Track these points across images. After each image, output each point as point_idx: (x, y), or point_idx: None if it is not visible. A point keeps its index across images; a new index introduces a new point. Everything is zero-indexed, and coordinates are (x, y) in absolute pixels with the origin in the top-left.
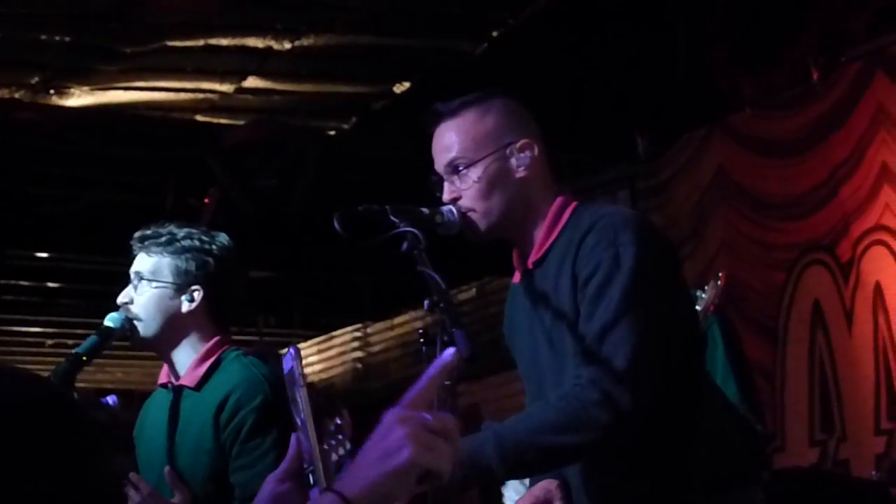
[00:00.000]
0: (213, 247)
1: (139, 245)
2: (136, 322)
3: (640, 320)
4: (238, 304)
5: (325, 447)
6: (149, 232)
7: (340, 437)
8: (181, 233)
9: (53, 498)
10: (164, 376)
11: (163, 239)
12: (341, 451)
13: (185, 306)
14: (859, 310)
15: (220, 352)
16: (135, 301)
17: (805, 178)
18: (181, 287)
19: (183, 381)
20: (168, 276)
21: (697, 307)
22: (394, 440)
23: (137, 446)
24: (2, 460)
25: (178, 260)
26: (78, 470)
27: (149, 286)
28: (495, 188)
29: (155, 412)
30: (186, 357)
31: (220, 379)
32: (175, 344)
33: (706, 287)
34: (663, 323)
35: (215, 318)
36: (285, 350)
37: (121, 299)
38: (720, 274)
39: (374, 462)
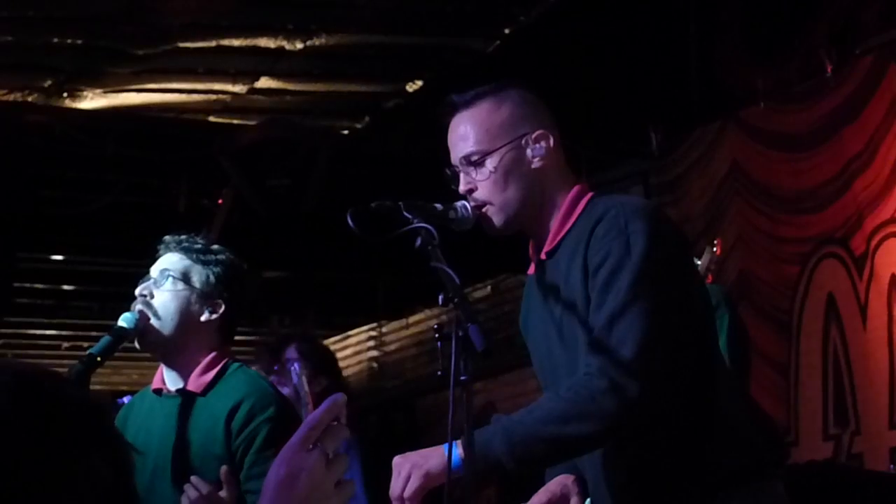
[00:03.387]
0: (240, 266)
1: (175, 245)
2: (152, 319)
3: (649, 309)
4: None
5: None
6: (184, 236)
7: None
8: (214, 246)
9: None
10: (157, 381)
11: (198, 246)
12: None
13: (205, 316)
14: (874, 303)
15: (224, 361)
16: (156, 297)
17: (819, 172)
18: (205, 296)
19: (189, 387)
20: (196, 283)
21: None
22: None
23: None
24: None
25: (209, 270)
26: (76, 468)
27: (174, 286)
28: (511, 179)
29: (151, 417)
30: (191, 364)
31: (227, 387)
32: (183, 349)
33: (702, 255)
34: (673, 312)
35: (224, 332)
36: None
37: (140, 291)
38: (715, 241)
39: None
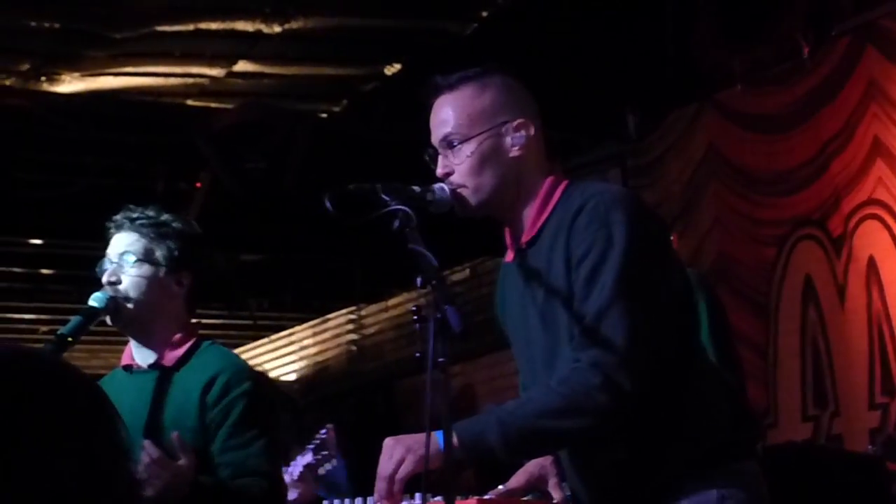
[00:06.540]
0: (198, 234)
1: (129, 225)
2: (124, 301)
3: (636, 302)
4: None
5: (313, 461)
6: (136, 214)
7: (325, 452)
8: (166, 217)
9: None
10: (127, 357)
11: (151, 221)
12: (328, 466)
13: (174, 289)
14: (852, 284)
15: (195, 336)
16: (123, 281)
17: (796, 154)
18: (171, 270)
19: (163, 362)
20: (160, 259)
21: None
22: None
23: None
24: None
25: (169, 243)
26: (92, 445)
27: (139, 267)
28: (487, 165)
29: (122, 393)
30: (163, 338)
31: (202, 361)
32: (156, 325)
33: None
34: (659, 302)
35: (190, 304)
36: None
37: (107, 278)
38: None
39: None
